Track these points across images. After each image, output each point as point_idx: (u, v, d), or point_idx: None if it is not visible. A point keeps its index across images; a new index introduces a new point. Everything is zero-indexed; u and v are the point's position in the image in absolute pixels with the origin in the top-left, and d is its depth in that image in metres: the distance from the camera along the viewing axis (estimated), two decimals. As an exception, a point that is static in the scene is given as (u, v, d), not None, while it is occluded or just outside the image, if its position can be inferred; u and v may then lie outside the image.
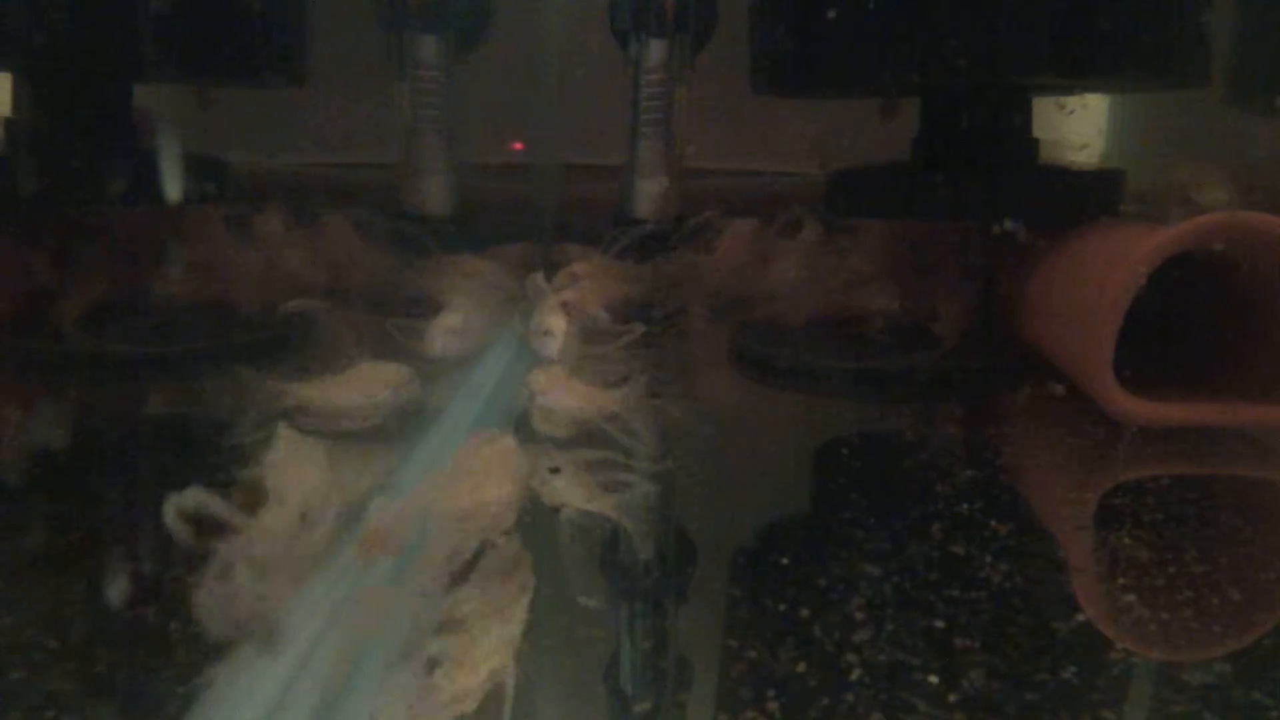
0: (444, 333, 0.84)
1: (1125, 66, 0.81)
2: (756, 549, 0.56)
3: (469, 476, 0.54)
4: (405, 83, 1.03)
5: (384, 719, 0.38)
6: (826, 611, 0.47)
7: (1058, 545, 0.57)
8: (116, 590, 0.48)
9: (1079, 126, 1.13)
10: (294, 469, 0.53)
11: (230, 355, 0.80)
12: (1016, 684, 0.41)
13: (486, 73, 1.12)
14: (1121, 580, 0.50)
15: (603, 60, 1.07)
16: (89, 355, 0.84)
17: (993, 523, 0.57)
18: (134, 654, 0.42)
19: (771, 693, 0.40)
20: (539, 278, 0.91)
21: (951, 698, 0.40)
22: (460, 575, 0.46)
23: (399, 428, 0.69)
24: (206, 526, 0.48)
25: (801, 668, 0.42)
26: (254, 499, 0.50)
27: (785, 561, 0.52)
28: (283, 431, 0.57)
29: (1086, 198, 0.86)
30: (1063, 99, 0.97)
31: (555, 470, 0.61)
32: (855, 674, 0.42)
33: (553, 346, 0.81)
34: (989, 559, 0.52)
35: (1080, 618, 0.47)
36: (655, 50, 1.01)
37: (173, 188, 0.86)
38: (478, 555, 0.48)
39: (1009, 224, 0.84)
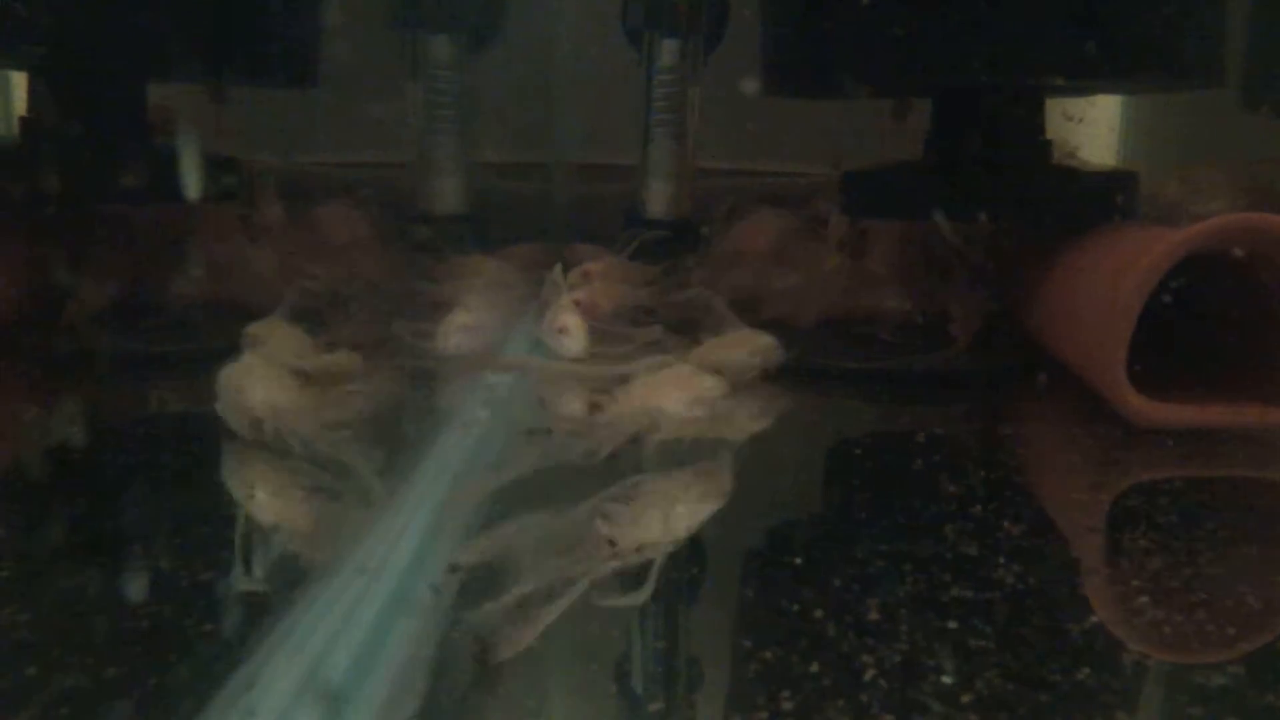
0: (456, 330, 0.84)
1: (1139, 68, 0.81)
2: (770, 549, 0.56)
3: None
4: (419, 82, 1.03)
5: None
6: (840, 612, 0.47)
7: (1071, 546, 0.57)
8: (132, 587, 0.48)
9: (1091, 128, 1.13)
10: None
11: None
12: (1030, 685, 0.41)
13: (499, 72, 1.12)
14: (1135, 582, 0.50)
15: (615, 60, 1.07)
16: (104, 353, 0.85)
17: (1005, 523, 0.57)
18: (149, 651, 0.43)
19: (786, 693, 0.40)
20: (557, 273, 0.91)
21: (965, 698, 0.40)
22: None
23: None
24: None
25: (815, 668, 0.42)
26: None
27: (799, 561, 0.52)
28: None
29: (1099, 199, 0.86)
30: (1069, 110, 0.97)
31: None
32: (869, 674, 0.42)
33: (568, 344, 0.81)
34: (1002, 560, 0.52)
35: (1094, 619, 0.47)
36: (668, 50, 1.02)
37: (188, 186, 0.86)
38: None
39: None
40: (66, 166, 0.84)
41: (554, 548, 0.49)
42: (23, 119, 0.89)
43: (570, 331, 0.82)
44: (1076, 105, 1.07)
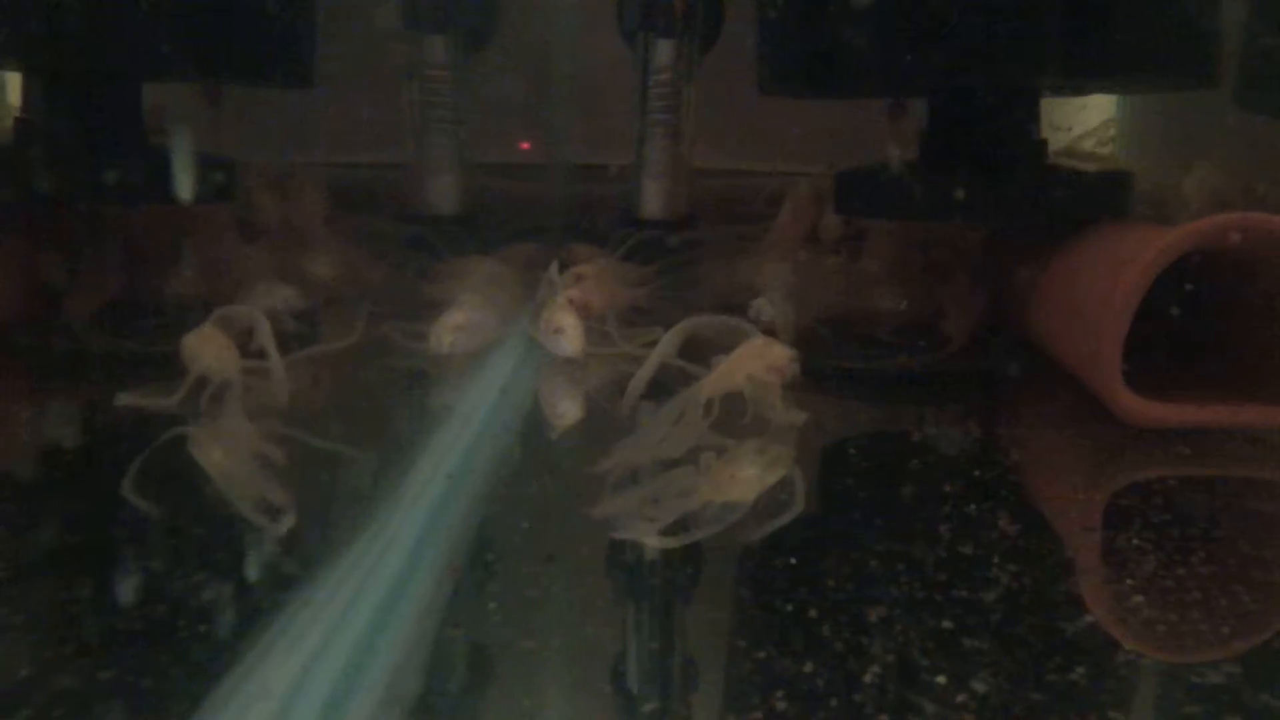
0: (450, 330, 0.83)
1: (1134, 67, 0.81)
2: (764, 548, 0.56)
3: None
4: (414, 82, 1.03)
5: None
6: (834, 611, 0.47)
7: (1066, 546, 0.57)
8: (126, 588, 0.48)
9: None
10: None
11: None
12: (1025, 685, 0.41)
13: (495, 72, 1.12)
14: (1130, 581, 0.50)
15: (610, 60, 1.07)
16: (100, 353, 0.85)
17: (1001, 523, 0.57)
18: (143, 652, 0.42)
19: (780, 693, 0.40)
20: (553, 272, 0.90)
21: (960, 698, 0.40)
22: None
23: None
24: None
25: (810, 667, 0.42)
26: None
27: (793, 561, 0.52)
28: None
29: (1095, 198, 0.86)
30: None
31: None
32: (863, 674, 0.42)
33: (565, 344, 0.81)
34: (997, 559, 0.52)
35: (1088, 619, 0.47)
36: (663, 50, 1.02)
37: (182, 187, 0.86)
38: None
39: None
40: (61, 167, 0.84)
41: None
42: (17, 119, 0.89)
43: (566, 332, 0.82)
44: (1065, 115, 1.07)
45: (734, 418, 0.68)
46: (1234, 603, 0.48)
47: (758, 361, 0.71)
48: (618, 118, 1.07)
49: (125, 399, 0.71)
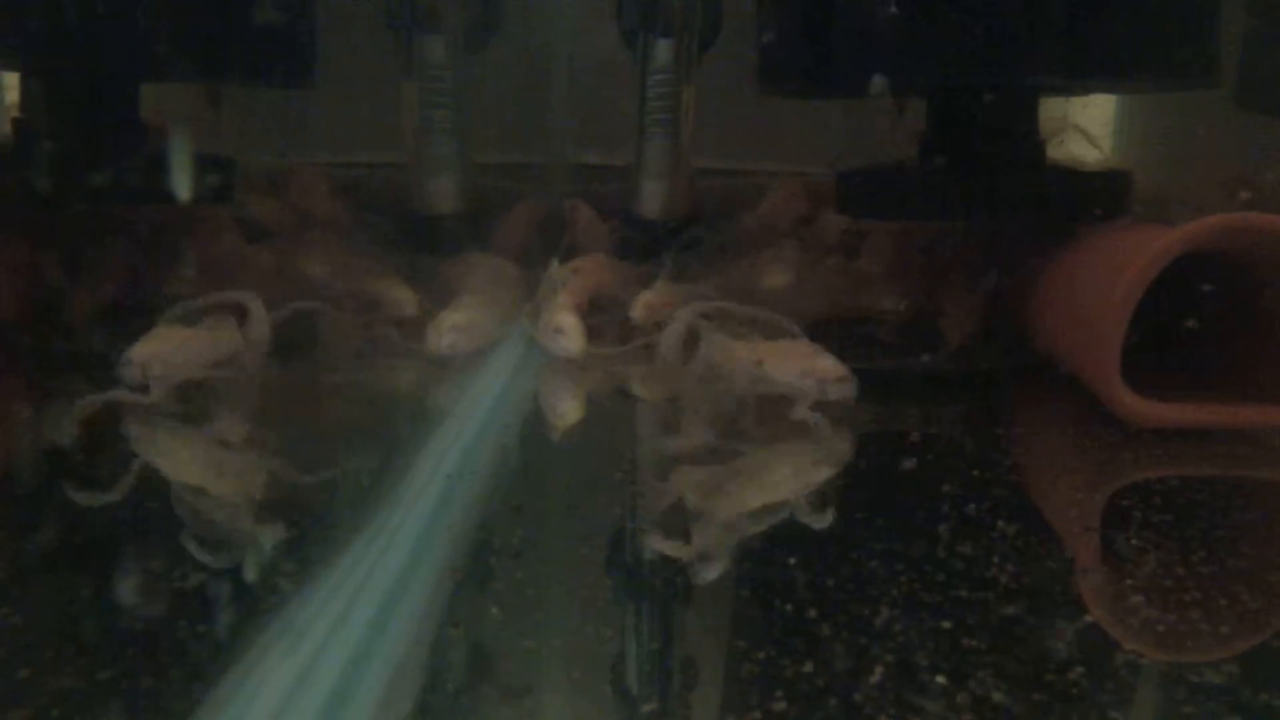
0: (449, 330, 0.83)
1: (1133, 67, 0.81)
2: (764, 549, 0.56)
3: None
4: (414, 82, 1.03)
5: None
6: (834, 612, 0.47)
7: (1065, 546, 0.57)
8: (125, 589, 0.48)
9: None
10: None
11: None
12: (1024, 685, 0.41)
13: (495, 72, 1.12)
14: (1129, 581, 0.51)
15: (610, 60, 1.07)
16: (100, 355, 0.85)
17: (1000, 523, 0.57)
18: (141, 652, 0.42)
19: (779, 693, 0.40)
20: (554, 270, 0.90)
21: (959, 698, 0.40)
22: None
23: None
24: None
25: (809, 668, 0.42)
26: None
27: (793, 561, 0.52)
28: None
29: (1094, 198, 0.86)
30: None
31: None
32: (863, 675, 0.42)
33: (566, 344, 0.80)
34: (996, 559, 0.52)
35: (1088, 619, 0.47)
36: (662, 50, 1.01)
37: (181, 187, 0.86)
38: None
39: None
40: (60, 168, 0.84)
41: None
42: (15, 120, 0.89)
43: (566, 332, 0.81)
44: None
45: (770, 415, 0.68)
46: (1234, 603, 0.48)
47: (802, 363, 0.71)
48: (617, 117, 1.07)
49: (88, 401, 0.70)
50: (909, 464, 0.68)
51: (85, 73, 0.86)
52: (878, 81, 0.84)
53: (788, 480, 0.64)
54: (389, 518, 0.55)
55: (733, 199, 1.12)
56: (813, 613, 0.47)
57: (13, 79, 0.90)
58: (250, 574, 0.49)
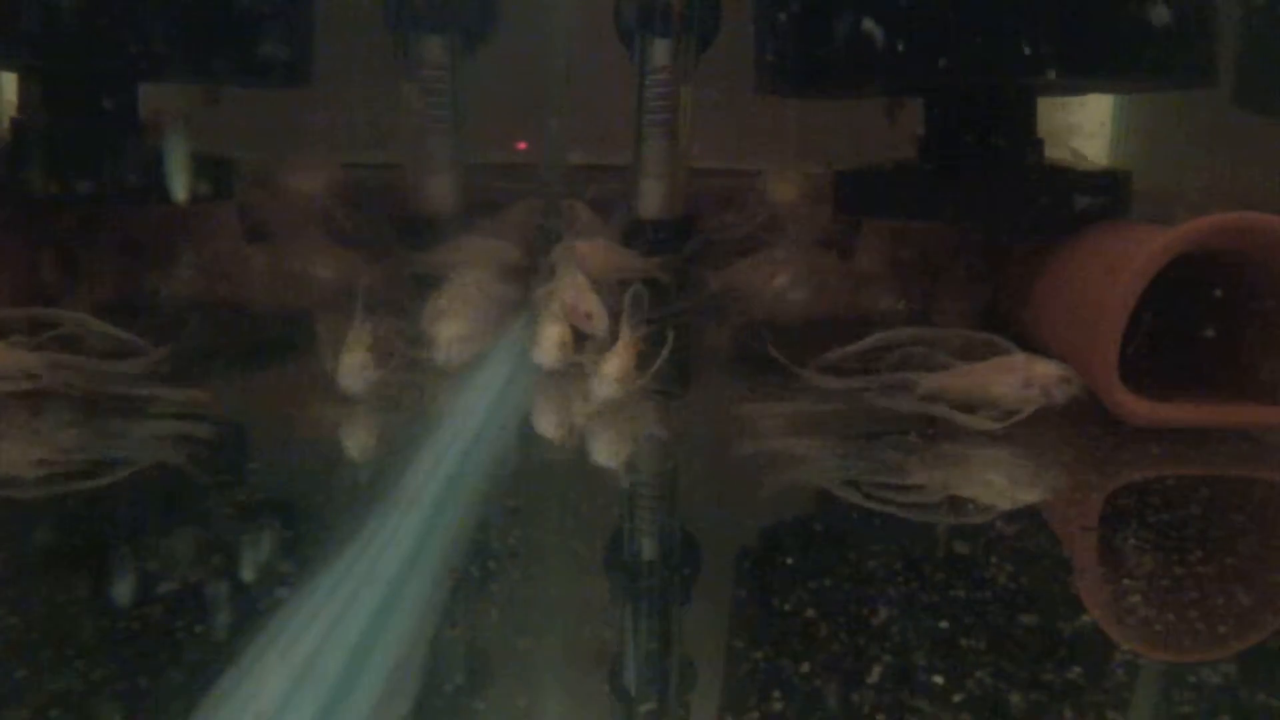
0: (451, 341, 0.82)
1: (1131, 66, 0.81)
2: (762, 549, 0.56)
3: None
4: (412, 82, 1.03)
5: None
6: (832, 611, 0.47)
7: (1063, 545, 0.57)
8: (123, 588, 0.48)
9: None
10: None
11: (239, 354, 0.80)
12: (1022, 684, 0.41)
13: (493, 72, 1.12)
14: (1127, 581, 0.50)
15: (608, 60, 1.07)
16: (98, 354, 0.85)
17: (998, 523, 0.57)
18: (139, 652, 0.42)
19: (777, 693, 0.40)
20: (552, 262, 0.90)
21: (957, 698, 0.40)
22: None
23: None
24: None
25: (807, 668, 0.42)
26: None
27: (791, 561, 0.52)
28: None
29: (1093, 198, 0.86)
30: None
31: None
32: (861, 674, 0.42)
33: (539, 355, 0.80)
34: (994, 559, 0.52)
35: (1085, 618, 0.47)
36: (660, 50, 1.01)
37: (179, 186, 0.86)
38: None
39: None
40: (58, 167, 0.84)
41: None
42: (13, 119, 0.89)
43: (542, 344, 0.80)
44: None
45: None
46: (1232, 603, 0.48)
47: (1023, 373, 0.71)
48: (615, 117, 1.07)
49: None
50: (908, 463, 0.68)
51: (83, 72, 0.86)
52: (878, 82, 0.84)
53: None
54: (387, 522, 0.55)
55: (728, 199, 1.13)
56: (811, 612, 0.47)
57: (10, 78, 0.90)
58: (249, 574, 0.49)
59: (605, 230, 1.03)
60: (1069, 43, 0.78)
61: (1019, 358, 0.74)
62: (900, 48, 0.81)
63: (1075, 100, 1.17)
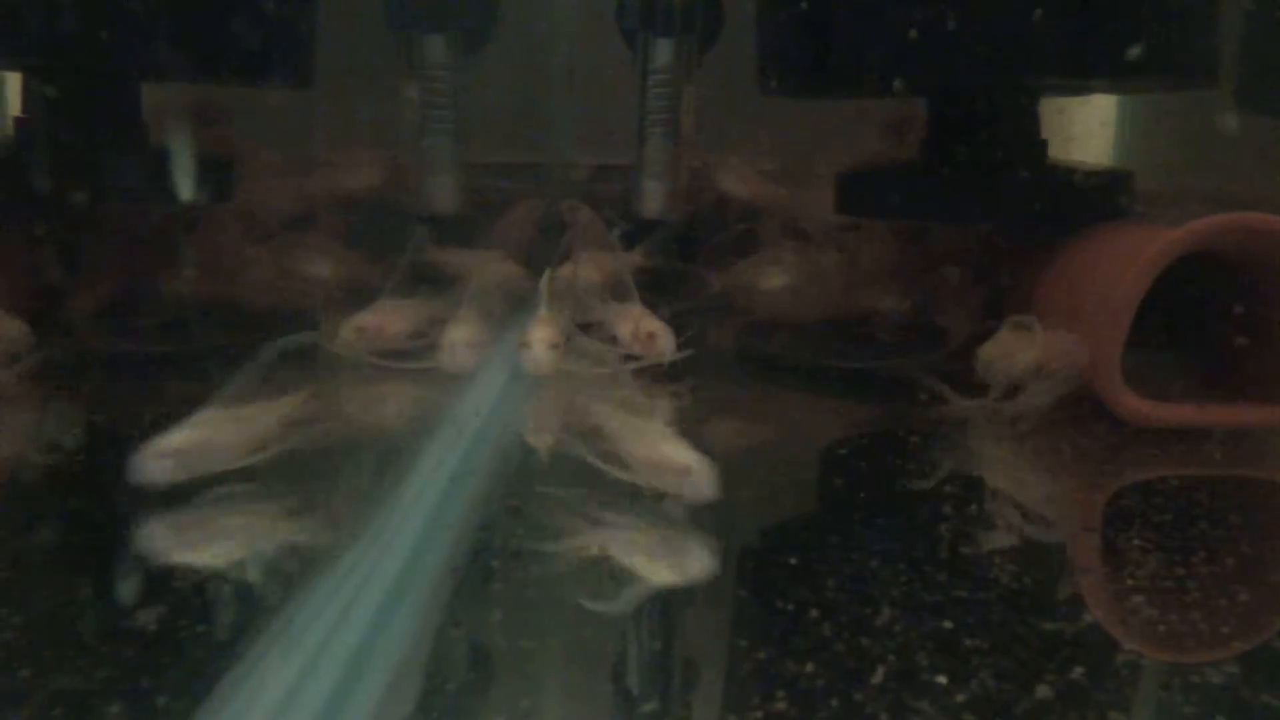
0: (457, 346, 0.82)
1: (1133, 67, 0.81)
2: (765, 548, 0.56)
3: None
4: (414, 82, 1.03)
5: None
6: (835, 612, 0.47)
7: (1066, 546, 0.57)
8: (125, 589, 0.48)
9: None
10: None
11: (241, 355, 0.80)
12: (1025, 685, 0.41)
13: (495, 72, 1.12)
14: (1129, 581, 0.51)
15: (610, 60, 1.07)
16: (99, 354, 0.85)
17: (1001, 523, 0.57)
18: (143, 652, 0.42)
19: (780, 693, 0.40)
20: (545, 282, 0.90)
21: (960, 698, 0.40)
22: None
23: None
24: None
25: (810, 668, 0.42)
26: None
27: (794, 561, 0.52)
28: None
29: (1095, 199, 0.86)
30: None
31: None
32: (864, 675, 0.42)
33: (529, 361, 0.79)
34: (997, 559, 0.52)
35: (1088, 619, 0.47)
36: (662, 50, 1.01)
37: (180, 186, 0.86)
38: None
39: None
40: (61, 167, 0.84)
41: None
42: (17, 119, 0.89)
43: (533, 347, 0.79)
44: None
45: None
46: (1234, 603, 0.48)
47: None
48: (617, 118, 1.07)
49: None
50: (910, 464, 0.68)
51: (86, 73, 0.86)
52: (881, 83, 0.84)
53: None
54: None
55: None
56: (814, 612, 0.47)
57: (14, 79, 0.90)
58: (252, 573, 0.49)
59: (605, 236, 1.03)
60: (1072, 43, 0.78)
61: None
62: (903, 48, 0.81)
63: (1077, 100, 1.17)
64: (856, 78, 0.87)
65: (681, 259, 1.05)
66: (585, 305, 0.88)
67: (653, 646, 0.45)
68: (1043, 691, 0.41)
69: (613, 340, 0.84)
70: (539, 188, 1.17)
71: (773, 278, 1.05)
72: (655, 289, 0.91)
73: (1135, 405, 0.70)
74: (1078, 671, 0.42)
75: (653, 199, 1.05)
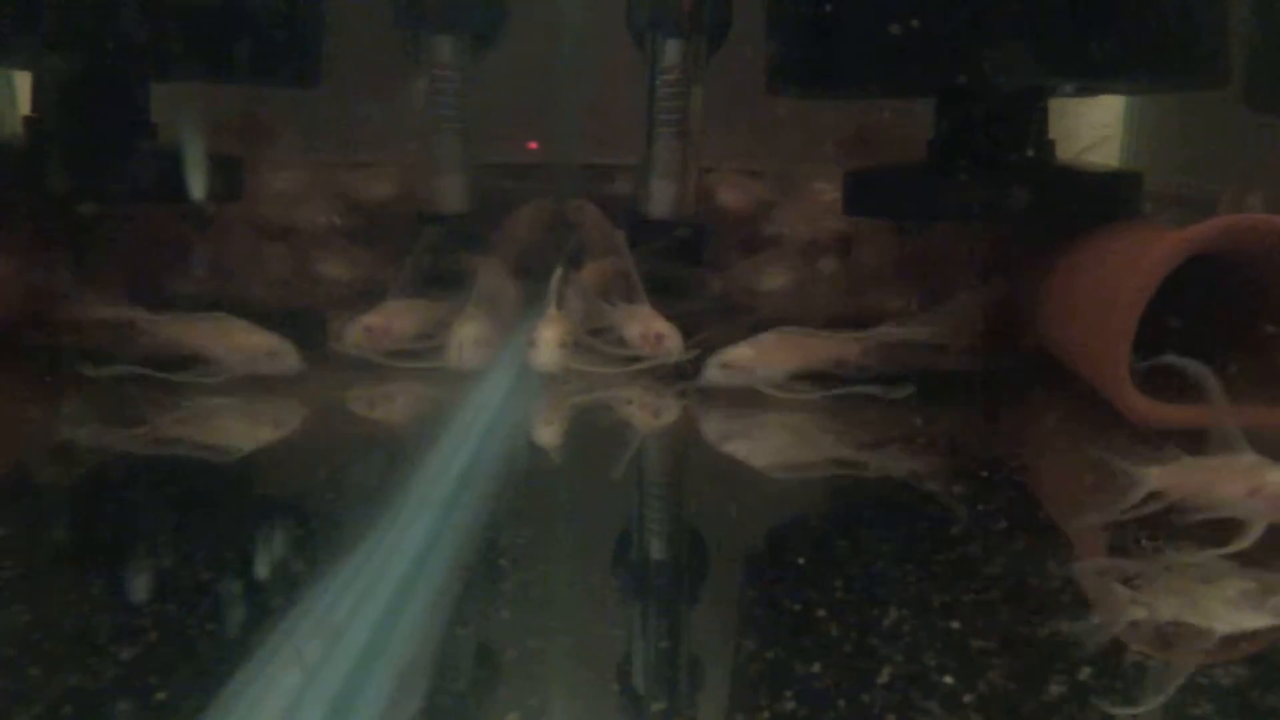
0: (467, 344, 0.82)
1: (1142, 67, 0.81)
2: (772, 550, 0.56)
3: None
4: (422, 82, 1.03)
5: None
6: (842, 612, 0.47)
7: (1073, 547, 0.57)
8: (134, 586, 0.48)
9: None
10: None
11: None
12: (1032, 685, 0.41)
13: (504, 72, 1.12)
14: (1136, 581, 0.50)
15: (619, 60, 1.07)
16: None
17: (1007, 524, 0.57)
18: (151, 650, 0.43)
19: (788, 693, 0.40)
20: (555, 280, 0.90)
21: (967, 698, 0.40)
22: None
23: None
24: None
25: (818, 668, 0.42)
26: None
27: (801, 562, 0.52)
28: None
29: (1103, 199, 0.85)
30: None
31: None
32: (871, 675, 0.42)
33: (536, 358, 0.80)
34: (1004, 560, 0.52)
35: (1095, 619, 0.47)
36: (671, 50, 1.01)
37: (189, 186, 0.86)
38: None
39: None
40: (70, 166, 0.84)
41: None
42: (26, 119, 0.89)
43: (539, 346, 0.80)
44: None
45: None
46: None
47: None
48: (625, 118, 1.07)
49: None
50: (916, 465, 0.68)
51: (96, 72, 0.86)
52: (889, 83, 0.84)
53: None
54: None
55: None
56: (821, 613, 0.47)
57: (24, 78, 0.91)
58: (260, 572, 0.50)
59: (612, 237, 1.03)
60: (1080, 43, 0.78)
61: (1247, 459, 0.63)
62: (911, 48, 0.81)
63: (1086, 101, 1.17)
64: (865, 77, 0.87)
65: (681, 260, 1.05)
66: (595, 311, 0.88)
67: (660, 646, 0.45)
68: (1050, 692, 0.41)
69: (621, 341, 0.85)
70: (547, 187, 1.17)
71: (774, 278, 1.05)
72: (656, 290, 0.91)
73: (1142, 406, 0.70)
74: (1085, 672, 0.42)
75: (661, 199, 1.05)
